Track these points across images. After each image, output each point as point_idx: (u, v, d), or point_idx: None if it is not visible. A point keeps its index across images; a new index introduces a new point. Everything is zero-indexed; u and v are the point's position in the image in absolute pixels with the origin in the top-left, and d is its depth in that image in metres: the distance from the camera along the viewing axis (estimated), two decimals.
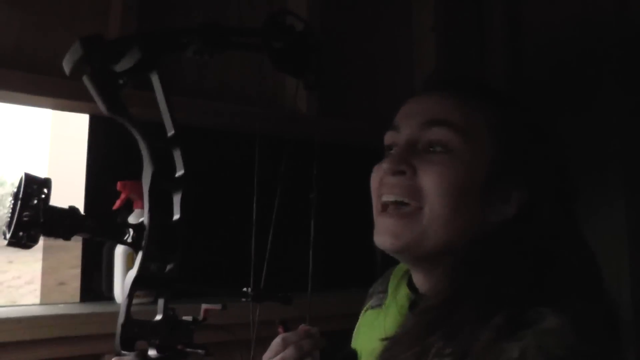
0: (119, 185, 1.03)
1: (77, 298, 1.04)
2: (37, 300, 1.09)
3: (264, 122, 1.09)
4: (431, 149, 0.58)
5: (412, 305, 0.64)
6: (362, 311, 0.76)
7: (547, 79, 1.49)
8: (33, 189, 0.39)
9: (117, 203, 1.03)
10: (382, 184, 0.60)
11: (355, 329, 0.75)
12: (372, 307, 0.73)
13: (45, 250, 1.11)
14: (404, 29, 1.51)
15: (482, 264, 0.54)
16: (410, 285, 0.65)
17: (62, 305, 1.01)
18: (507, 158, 0.58)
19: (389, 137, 0.63)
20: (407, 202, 0.57)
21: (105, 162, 1.08)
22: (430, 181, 0.56)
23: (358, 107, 1.37)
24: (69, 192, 1.07)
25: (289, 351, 0.65)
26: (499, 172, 0.57)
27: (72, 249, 1.07)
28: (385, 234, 0.58)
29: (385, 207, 0.59)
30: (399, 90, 1.43)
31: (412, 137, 0.59)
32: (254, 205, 0.60)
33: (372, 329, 0.69)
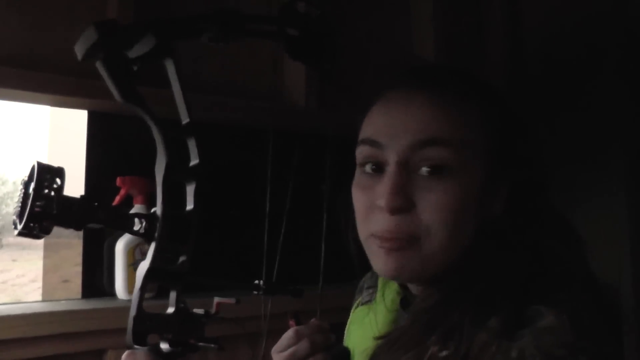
0: (118, 181, 1.02)
1: (81, 295, 1.04)
2: (40, 298, 1.08)
3: (271, 116, 1.08)
4: (426, 170, 0.52)
5: (403, 301, 0.63)
6: (353, 307, 0.74)
7: (548, 70, 1.48)
8: (46, 179, 0.38)
9: (117, 199, 1.02)
10: (373, 213, 0.54)
11: (346, 326, 0.73)
12: (362, 304, 0.71)
13: (47, 248, 1.10)
14: (402, 19, 1.48)
15: (475, 264, 0.53)
16: None
17: (64, 301, 1.00)
18: (497, 160, 0.55)
19: (365, 153, 0.56)
20: (407, 237, 0.53)
21: (105, 158, 1.07)
22: (431, 216, 0.52)
23: (354, 100, 1.36)
24: (69, 188, 1.06)
25: (303, 344, 0.63)
26: (490, 176, 0.55)
27: (75, 247, 1.06)
28: (385, 267, 0.54)
29: (379, 237, 0.54)
30: None
31: (402, 160, 0.53)
32: (267, 198, 0.59)
33: (363, 327, 0.67)
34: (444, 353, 0.48)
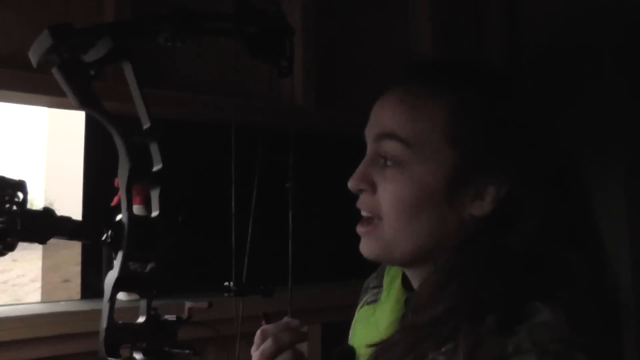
0: (116, 181, 1.02)
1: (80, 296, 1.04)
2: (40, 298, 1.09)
3: (263, 115, 1.08)
4: (385, 162, 0.57)
5: (407, 301, 0.63)
6: (358, 307, 0.74)
7: (546, 67, 1.46)
8: (7, 193, 0.37)
9: (115, 199, 1.02)
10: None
11: (352, 325, 0.74)
12: (367, 303, 0.72)
13: (46, 247, 1.10)
14: (400, 18, 1.48)
15: (469, 264, 0.53)
16: (404, 280, 0.64)
17: (62, 302, 1.01)
18: (471, 158, 0.54)
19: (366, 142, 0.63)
20: (371, 216, 0.58)
21: (103, 158, 1.07)
22: (384, 198, 0.56)
23: (354, 99, 1.36)
24: (67, 188, 1.07)
25: (267, 344, 0.63)
26: (465, 173, 0.54)
27: (75, 246, 1.06)
28: (362, 245, 0.60)
29: (360, 218, 0.60)
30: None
31: (371, 150, 0.59)
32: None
33: (368, 326, 0.68)
34: (442, 350, 0.49)
